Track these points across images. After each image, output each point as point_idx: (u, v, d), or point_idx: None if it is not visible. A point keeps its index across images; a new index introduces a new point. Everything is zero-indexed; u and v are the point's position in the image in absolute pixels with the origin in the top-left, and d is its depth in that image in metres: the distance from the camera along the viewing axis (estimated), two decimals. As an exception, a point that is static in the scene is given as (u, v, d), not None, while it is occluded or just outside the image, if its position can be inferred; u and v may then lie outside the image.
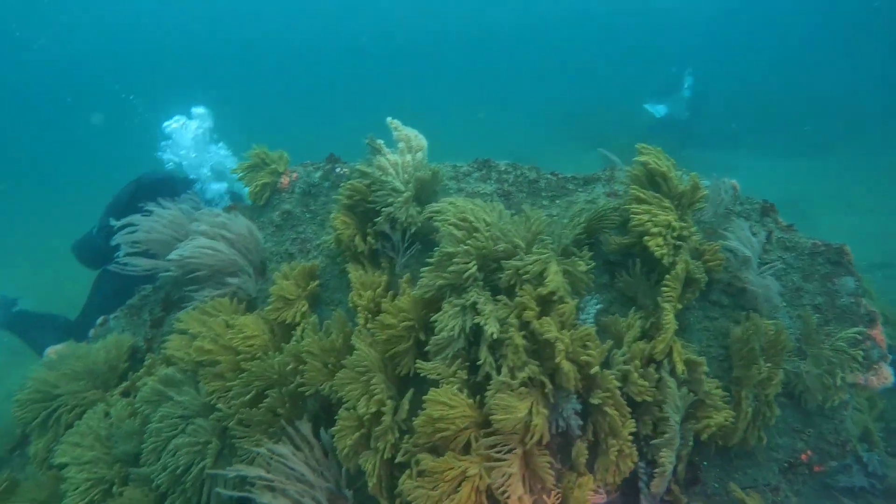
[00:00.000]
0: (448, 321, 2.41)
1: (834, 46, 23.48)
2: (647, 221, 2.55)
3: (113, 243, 3.37)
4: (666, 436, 2.35)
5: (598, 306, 2.69)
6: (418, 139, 3.40)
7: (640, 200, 2.64)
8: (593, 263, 2.69)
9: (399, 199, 3.01)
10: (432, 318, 2.50)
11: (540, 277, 2.47)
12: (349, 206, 3.08)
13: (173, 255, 3.11)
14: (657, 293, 2.63)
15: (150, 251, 3.37)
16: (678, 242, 2.59)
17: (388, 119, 3.34)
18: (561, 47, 32.44)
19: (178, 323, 2.91)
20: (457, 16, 37.39)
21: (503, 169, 3.55)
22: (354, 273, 2.92)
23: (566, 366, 2.30)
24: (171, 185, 5.23)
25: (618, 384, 2.36)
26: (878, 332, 2.63)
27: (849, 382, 2.52)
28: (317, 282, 3.10)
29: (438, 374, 2.39)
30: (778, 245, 2.93)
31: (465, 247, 2.49)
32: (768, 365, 2.43)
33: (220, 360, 2.60)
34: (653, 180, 2.78)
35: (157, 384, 2.71)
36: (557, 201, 3.35)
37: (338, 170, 3.68)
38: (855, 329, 2.57)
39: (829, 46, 23.65)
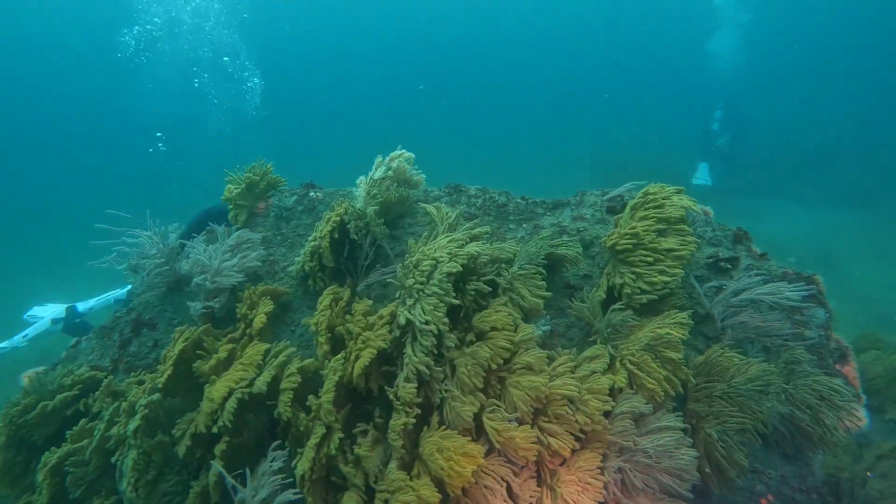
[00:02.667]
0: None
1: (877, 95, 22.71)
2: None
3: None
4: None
5: (546, 328, 2.61)
6: (409, 172, 3.40)
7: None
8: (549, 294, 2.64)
9: (363, 219, 3.02)
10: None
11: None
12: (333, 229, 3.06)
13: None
14: (618, 321, 2.56)
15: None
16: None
17: (396, 151, 3.40)
18: (608, 94, 32.10)
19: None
20: (502, 61, 37.56)
21: (473, 193, 3.54)
22: (324, 297, 2.88)
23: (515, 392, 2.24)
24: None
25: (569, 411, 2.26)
26: (851, 370, 2.49)
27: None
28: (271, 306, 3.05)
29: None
30: (746, 274, 2.83)
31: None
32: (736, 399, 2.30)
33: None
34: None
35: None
36: (524, 225, 3.31)
37: (311, 194, 3.70)
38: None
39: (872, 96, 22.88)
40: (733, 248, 2.99)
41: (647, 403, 2.26)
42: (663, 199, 2.57)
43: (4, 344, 5.82)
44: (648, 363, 2.32)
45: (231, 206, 3.60)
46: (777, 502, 2.27)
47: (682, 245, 2.40)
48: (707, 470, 2.24)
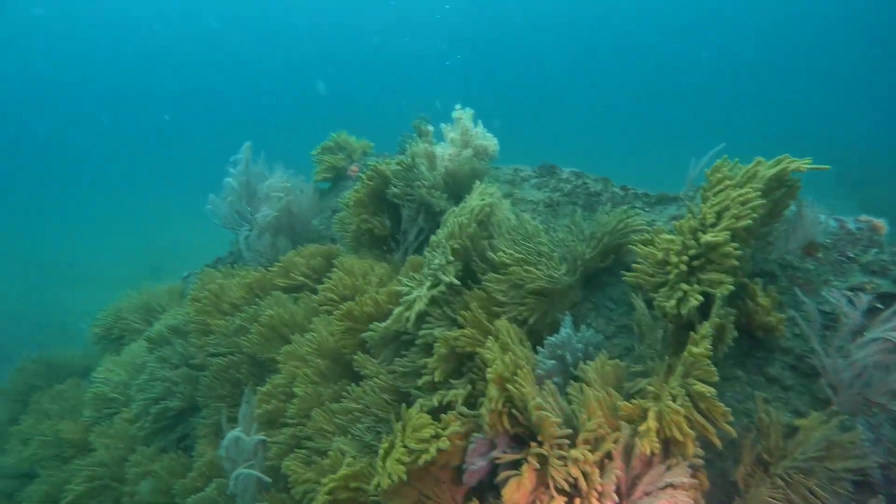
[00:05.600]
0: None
1: None
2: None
3: None
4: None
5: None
6: (481, 137, 3.16)
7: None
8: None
9: (423, 187, 2.78)
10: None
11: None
12: (370, 189, 2.93)
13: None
14: (666, 342, 1.87)
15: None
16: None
17: (456, 111, 3.16)
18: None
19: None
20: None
21: (565, 177, 3.02)
22: (345, 260, 2.74)
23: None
24: None
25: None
26: None
27: None
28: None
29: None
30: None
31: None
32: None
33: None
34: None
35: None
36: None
37: (399, 162, 3.58)
38: None
39: None
40: (903, 281, 1.99)
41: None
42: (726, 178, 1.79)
43: None
44: (667, 401, 1.59)
45: (316, 163, 3.68)
46: None
47: (723, 236, 1.58)
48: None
